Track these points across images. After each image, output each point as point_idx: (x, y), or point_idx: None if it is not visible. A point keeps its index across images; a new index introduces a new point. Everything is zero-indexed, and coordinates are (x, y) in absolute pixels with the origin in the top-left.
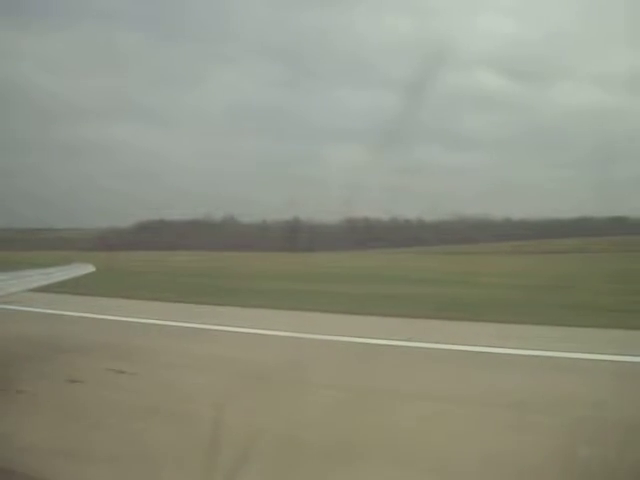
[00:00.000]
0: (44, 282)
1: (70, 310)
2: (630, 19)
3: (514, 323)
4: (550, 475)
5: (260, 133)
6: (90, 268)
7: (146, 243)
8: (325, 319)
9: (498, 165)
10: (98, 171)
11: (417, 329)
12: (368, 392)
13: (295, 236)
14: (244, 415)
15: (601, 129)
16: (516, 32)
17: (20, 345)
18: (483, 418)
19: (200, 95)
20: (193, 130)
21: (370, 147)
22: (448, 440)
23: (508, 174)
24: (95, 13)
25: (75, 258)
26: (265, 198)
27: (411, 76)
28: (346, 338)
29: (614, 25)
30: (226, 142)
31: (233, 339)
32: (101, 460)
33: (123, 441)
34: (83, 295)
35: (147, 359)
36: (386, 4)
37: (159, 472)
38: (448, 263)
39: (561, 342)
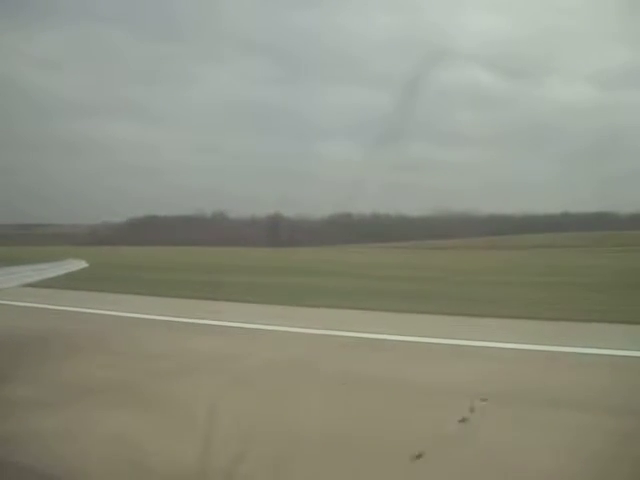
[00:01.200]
0: (36, 278)
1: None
2: (619, 16)
3: (323, 307)
4: None
5: (252, 130)
6: (83, 264)
7: (137, 238)
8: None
9: (484, 161)
10: (94, 167)
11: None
12: None
13: (276, 232)
14: None
15: (590, 125)
16: (505, 30)
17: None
18: None
19: (193, 93)
20: (187, 127)
21: (360, 144)
22: None
23: (496, 171)
24: (91, 15)
25: (66, 253)
26: (256, 193)
27: (401, 73)
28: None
29: (603, 23)
30: (219, 138)
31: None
32: None
33: None
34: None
35: None
36: (376, 2)
37: None
38: (390, 257)
39: (346, 323)
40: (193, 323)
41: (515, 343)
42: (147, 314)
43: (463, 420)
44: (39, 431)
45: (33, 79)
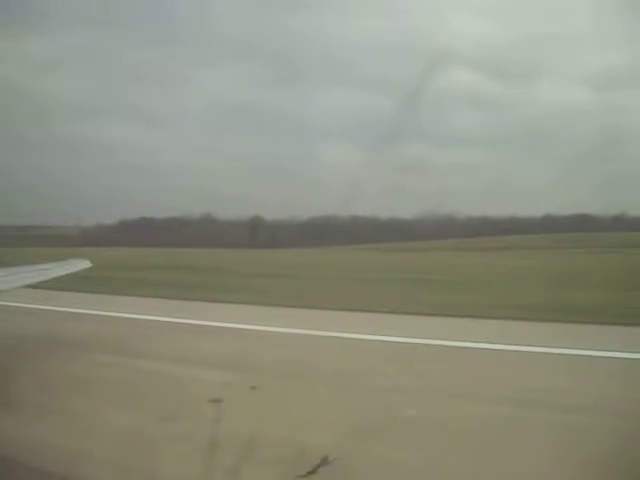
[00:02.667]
0: (40, 278)
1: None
2: (611, 19)
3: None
4: None
5: (246, 131)
6: (87, 264)
7: (128, 239)
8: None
9: (474, 164)
10: (87, 167)
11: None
12: None
13: (255, 234)
14: None
15: (585, 127)
16: (498, 33)
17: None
18: None
19: (187, 95)
20: (182, 128)
21: (354, 145)
22: None
23: (485, 174)
24: (86, 20)
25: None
26: (247, 194)
27: (393, 76)
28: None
29: (596, 26)
30: (214, 140)
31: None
32: None
33: None
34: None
35: None
36: (369, 6)
37: None
38: (346, 258)
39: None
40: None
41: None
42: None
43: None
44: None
45: (32, 82)
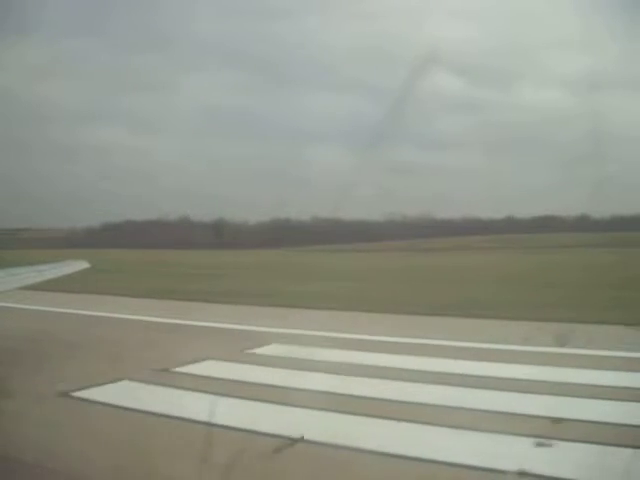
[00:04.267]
0: (37, 279)
1: None
2: (583, 25)
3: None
4: None
5: (233, 135)
6: (84, 265)
7: (111, 241)
8: None
9: (444, 167)
10: (80, 171)
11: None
12: None
13: (220, 235)
14: None
15: (561, 129)
16: (474, 39)
17: None
18: None
19: (176, 100)
20: (172, 132)
21: (339, 147)
22: None
23: (461, 176)
24: (78, 29)
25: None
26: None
27: (373, 80)
28: None
29: (568, 32)
30: (203, 143)
31: None
32: None
33: None
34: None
35: None
36: (349, 12)
37: None
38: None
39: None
40: None
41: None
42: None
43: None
44: None
45: (27, 88)
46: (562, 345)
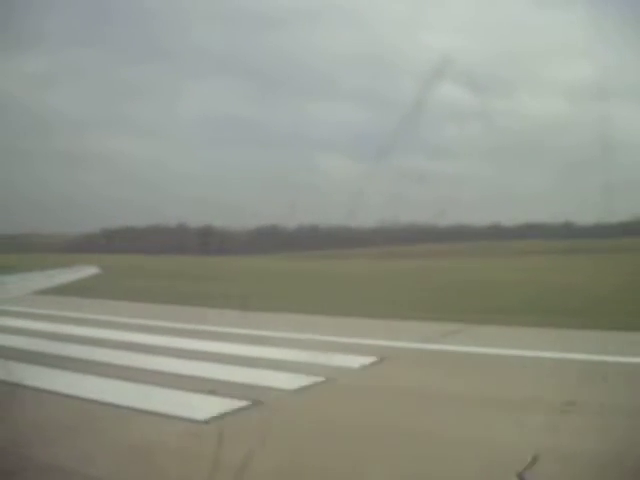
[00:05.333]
0: (48, 284)
1: None
2: (575, 33)
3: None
4: None
5: (234, 142)
6: (93, 270)
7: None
8: None
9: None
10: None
11: None
12: None
13: (206, 241)
14: None
15: (561, 137)
16: (470, 48)
17: None
18: None
19: (177, 109)
20: (175, 139)
21: (339, 154)
22: None
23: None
24: (81, 39)
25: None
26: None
27: (371, 89)
28: None
29: (561, 40)
30: (205, 150)
31: None
32: None
33: None
34: None
35: None
36: (343, 22)
37: None
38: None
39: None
40: None
41: None
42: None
43: None
44: None
45: (32, 97)
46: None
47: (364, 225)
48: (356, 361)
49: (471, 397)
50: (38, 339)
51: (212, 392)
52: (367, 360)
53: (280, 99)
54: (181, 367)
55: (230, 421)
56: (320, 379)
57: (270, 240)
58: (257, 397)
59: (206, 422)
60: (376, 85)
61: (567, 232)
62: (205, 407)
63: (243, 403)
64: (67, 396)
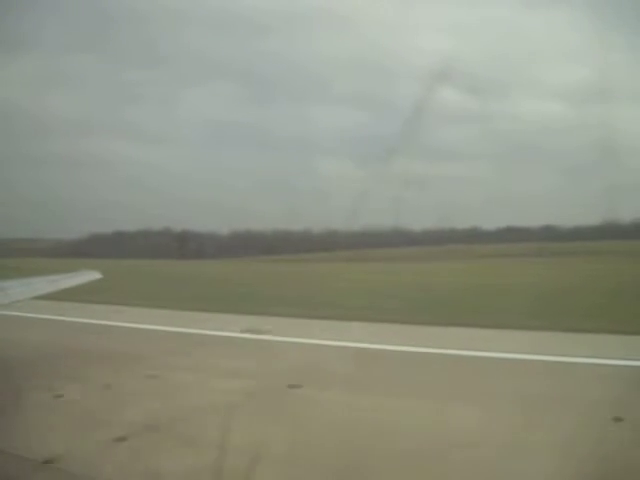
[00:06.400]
0: (50, 289)
1: None
2: (569, 36)
3: None
4: None
5: (231, 146)
6: (96, 275)
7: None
8: None
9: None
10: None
11: None
12: None
13: (184, 246)
14: None
15: (559, 139)
16: (463, 51)
17: None
18: None
19: (176, 113)
20: (175, 143)
21: (337, 159)
22: None
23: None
24: (78, 45)
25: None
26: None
27: (366, 92)
28: None
29: (554, 43)
30: (204, 153)
31: None
32: None
33: None
34: None
35: None
36: (338, 26)
37: None
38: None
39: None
40: None
41: None
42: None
43: None
44: None
45: (33, 101)
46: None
47: (345, 229)
48: None
49: None
50: None
51: None
52: None
53: (277, 102)
54: None
55: None
56: None
57: (244, 245)
58: None
59: None
60: (372, 88)
61: (548, 235)
62: None
63: None
64: None
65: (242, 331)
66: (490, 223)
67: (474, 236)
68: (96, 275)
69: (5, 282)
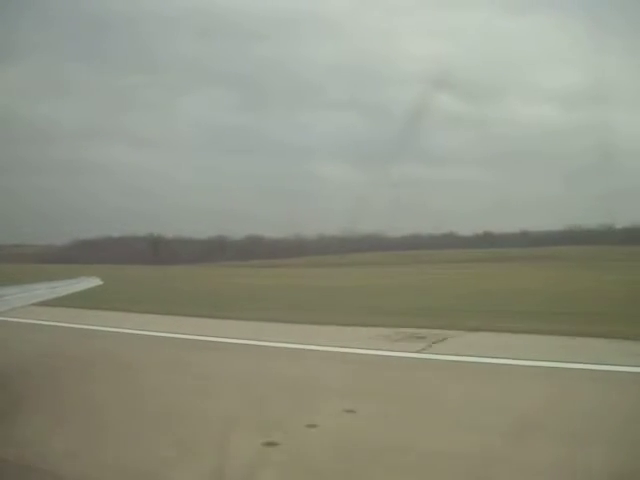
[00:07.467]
0: (50, 296)
1: None
2: (560, 41)
3: None
4: None
5: (228, 151)
6: (97, 281)
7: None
8: None
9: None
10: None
11: None
12: None
13: (156, 251)
14: None
15: (554, 144)
16: (456, 56)
17: None
18: None
19: (173, 119)
20: (172, 149)
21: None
22: None
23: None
24: (74, 53)
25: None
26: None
27: (359, 98)
28: None
29: (546, 48)
30: (201, 158)
31: None
32: None
33: None
34: None
35: None
36: (329, 32)
37: None
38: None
39: None
40: None
41: None
42: None
43: None
44: None
45: (30, 108)
46: None
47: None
48: None
49: None
50: None
51: None
52: None
53: (272, 108)
54: None
55: None
56: None
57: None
58: None
59: None
60: (365, 93)
61: (524, 241)
62: None
63: None
64: None
65: None
66: (466, 229)
67: (449, 242)
68: (96, 281)
69: (4, 289)
